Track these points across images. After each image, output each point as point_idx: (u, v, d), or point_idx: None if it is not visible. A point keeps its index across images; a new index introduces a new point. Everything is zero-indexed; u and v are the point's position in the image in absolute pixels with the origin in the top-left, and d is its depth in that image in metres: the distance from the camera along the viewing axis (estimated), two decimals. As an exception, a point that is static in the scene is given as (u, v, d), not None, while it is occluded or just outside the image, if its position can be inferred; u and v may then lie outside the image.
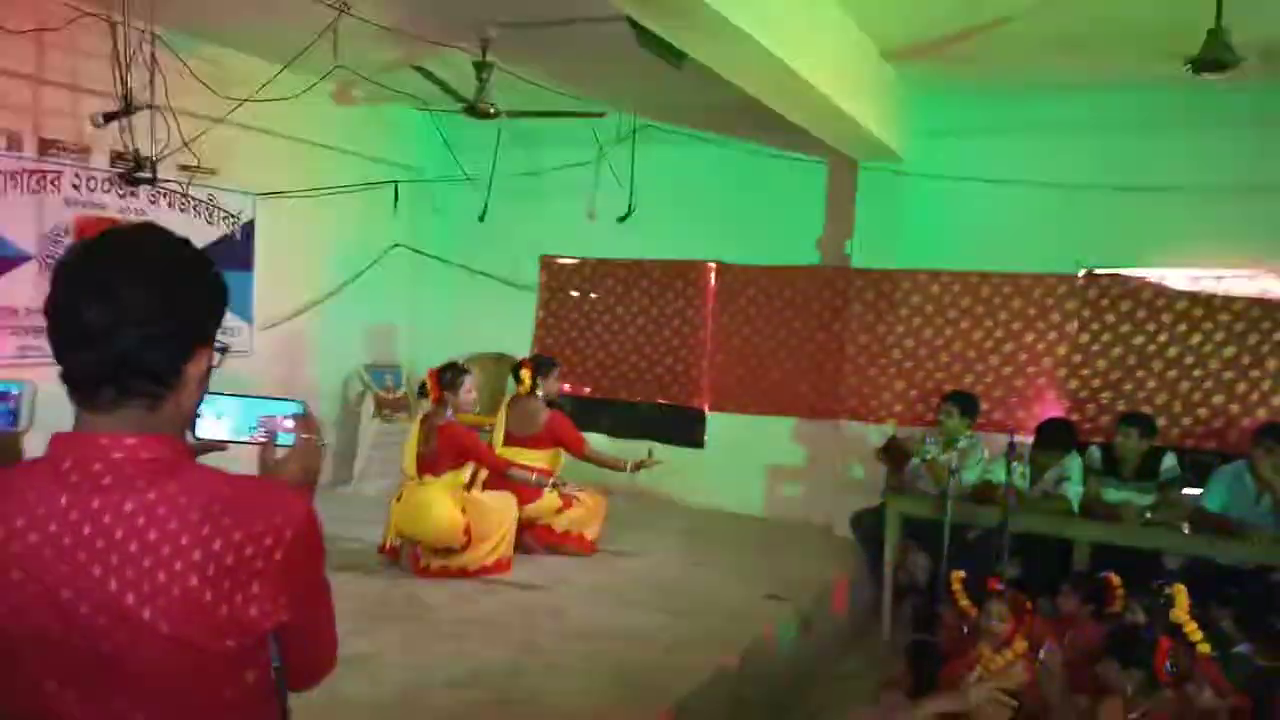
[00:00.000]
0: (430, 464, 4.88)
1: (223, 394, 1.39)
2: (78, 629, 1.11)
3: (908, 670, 3.48)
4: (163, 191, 5.58)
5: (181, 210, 5.73)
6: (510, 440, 5.44)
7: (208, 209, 5.91)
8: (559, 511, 5.34)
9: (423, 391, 5.08)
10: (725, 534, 6.12)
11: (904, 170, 5.95)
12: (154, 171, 5.13)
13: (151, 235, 1.22)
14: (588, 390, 7.18)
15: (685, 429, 6.89)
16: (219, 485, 1.17)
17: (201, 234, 5.81)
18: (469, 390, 5.03)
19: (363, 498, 6.28)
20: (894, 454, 5.47)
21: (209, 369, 1.25)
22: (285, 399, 1.42)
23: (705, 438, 6.84)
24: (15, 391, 1.50)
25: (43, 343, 1.18)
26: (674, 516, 6.45)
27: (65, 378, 1.17)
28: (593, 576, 5.07)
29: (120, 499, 1.12)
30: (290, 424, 1.38)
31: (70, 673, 1.13)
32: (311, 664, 1.32)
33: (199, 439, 1.37)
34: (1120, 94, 5.36)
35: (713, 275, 6.79)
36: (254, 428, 1.39)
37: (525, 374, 5.50)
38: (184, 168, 5.65)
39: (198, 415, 1.36)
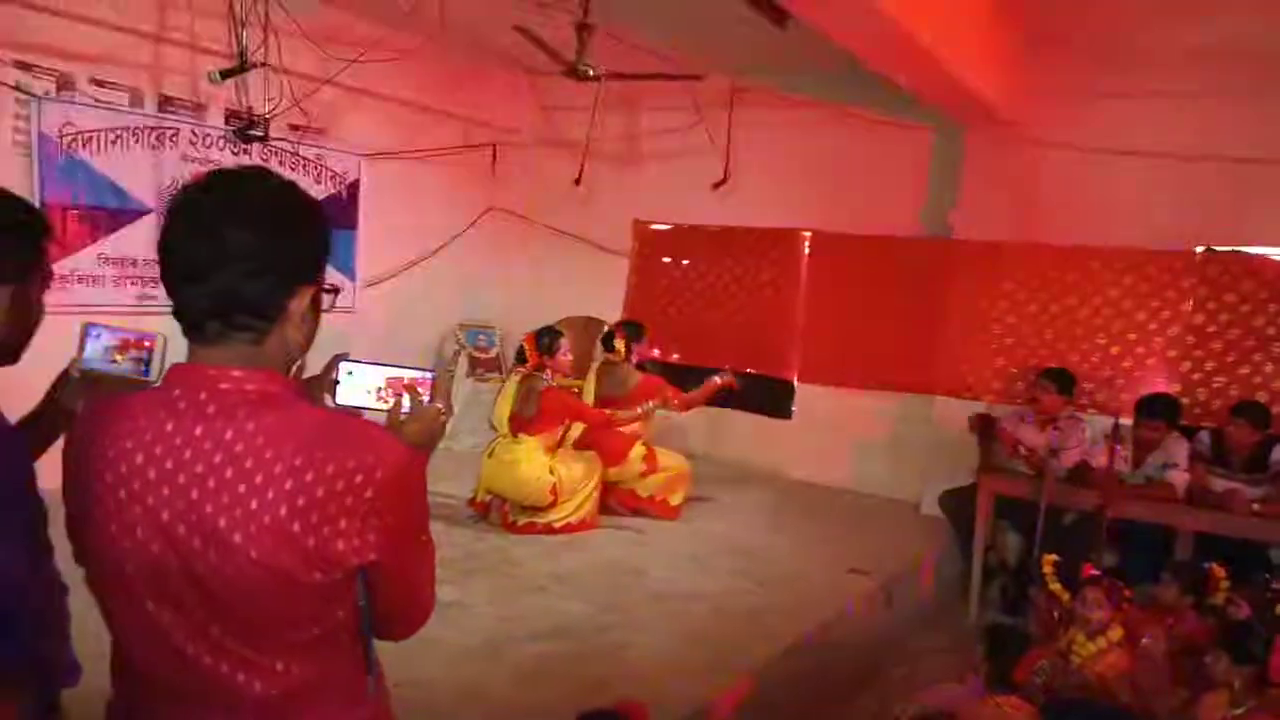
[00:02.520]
0: (526, 424, 4.96)
1: (361, 361, 1.46)
2: (175, 550, 1.15)
3: (985, 656, 3.40)
4: (274, 150, 5.77)
5: (291, 169, 5.92)
6: (603, 403, 5.49)
7: (316, 168, 6.09)
8: (643, 475, 5.38)
9: (520, 357, 5.16)
10: (811, 506, 6.08)
11: (1015, 137, 5.72)
12: (266, 130, 5.31)
13: (256, 176, 1.26)
14: (676, 357, 7.17)
15: (773, 399, 6.83)
16: (319, 420, 1.20)
17: (310, 192, 6.00)
18: (565, 353, 5.09)
19: (454, 453, 6.43)
20: (985, 429, 5.31)
21: (317, 308, 1.28)
22: (419, 367, 1.48)
23: (793, 409, 6.78)
24: (148, 342, 1.58)
25: (161, 292, 1.23)
26: (760, 486, 6.44)
27: (175, 313, 1.22)
28: (677, 540, 5.10)
29: (222, 427, 1.16)
30: (419, 390, 1.45)
31: (167, 593, 1.17)
32: (402, 612, 1.32)
33: (339, 405, 1.44)
34: (1250, 60, 5.04)
35: (807, 244, 6.68)
36: (383, 393, 1.46)
37: (620, 343, 5.51)
38: (294, 127, 5.84)
39: (336, 383, 1.44)
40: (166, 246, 1.20)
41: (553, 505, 4.91)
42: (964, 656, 3.93)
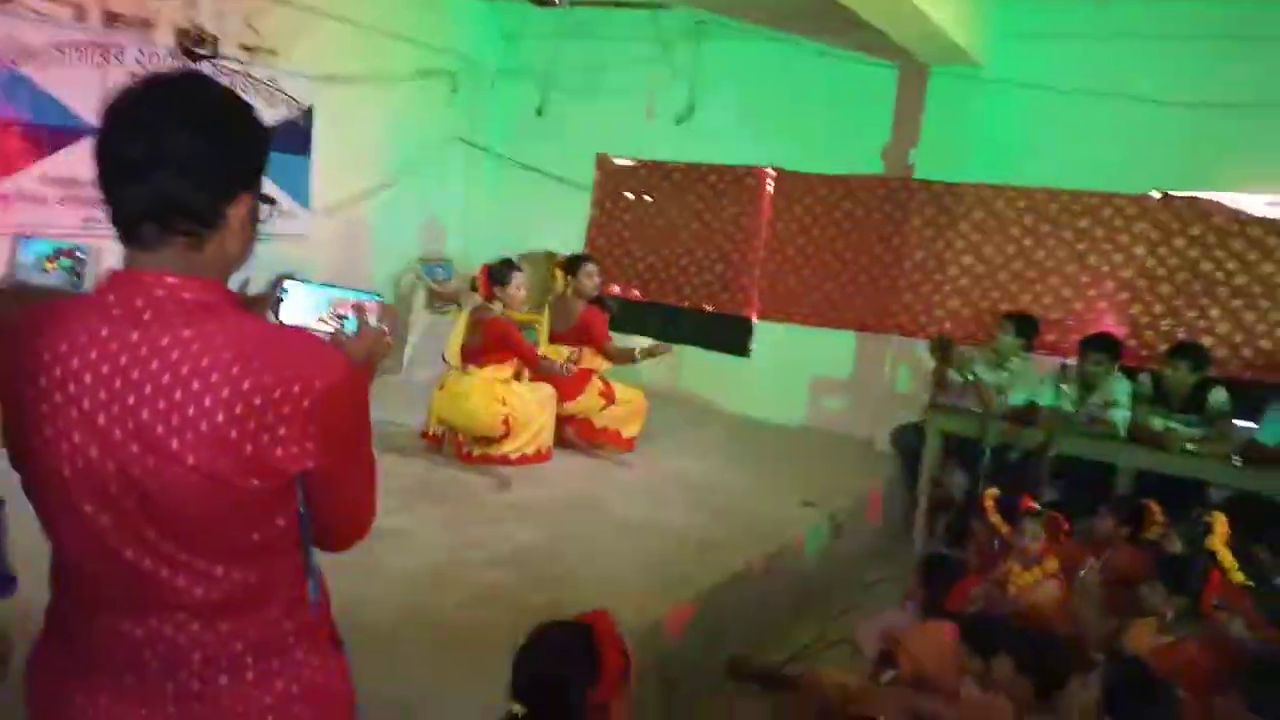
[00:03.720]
0: (474, 355, 4.96)
1: (308, 282, 1.45)
2: (112, 454, 1.15)
3: (921, 584, 3.50)
4: (224, 70, 5.60)
5: (243, 90, 5.74)
6: (551, 337, 5.50)
7: (269, 90, 5.92)
8: (602, 410, 5.42)
9: (474, 286, 5.14)
10: (766, 442, 6.14)
11: (978, 76, 5.71)
12: (215, 48, 5.15)
13: (195, 79, 1.25)
14: (636, 293, 7.18)
15: (731, 337, 6.88)
16: (257, 331, 1.20)
17: (262, 115, 5.86)
18: (518, 287, 5.05)
19: (412, 385, 6.41)
20: (945, 350, 5.39)
21: (254, 218, 1.27)
22: (366, 290, 1.47)
23: (751, 346, 6.83)
24: (80, 253, 1.56)
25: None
26: (716, 423, 6.49)
27: (112, 217, 1.20)
28: (632, 474, 5.16)
29: (158, 334, 1.15)
30: (367, 313, 1.44)
31: (106, 497, 1.17)
32: (341, 522, 1.34)
33: (279, 324, 1.43)
34: (1209, 4, 5.05)
35: (770, 182, 6.67)
36: (327, 314, 1.45)
37: (558, 274, 5.56)
38: (246, 48, 5.67)
39: (279, 300, 1.43)
40: (104, 145, 1.19)
41: (506, 437, 4.93)
42: (906, 585, 4.03)
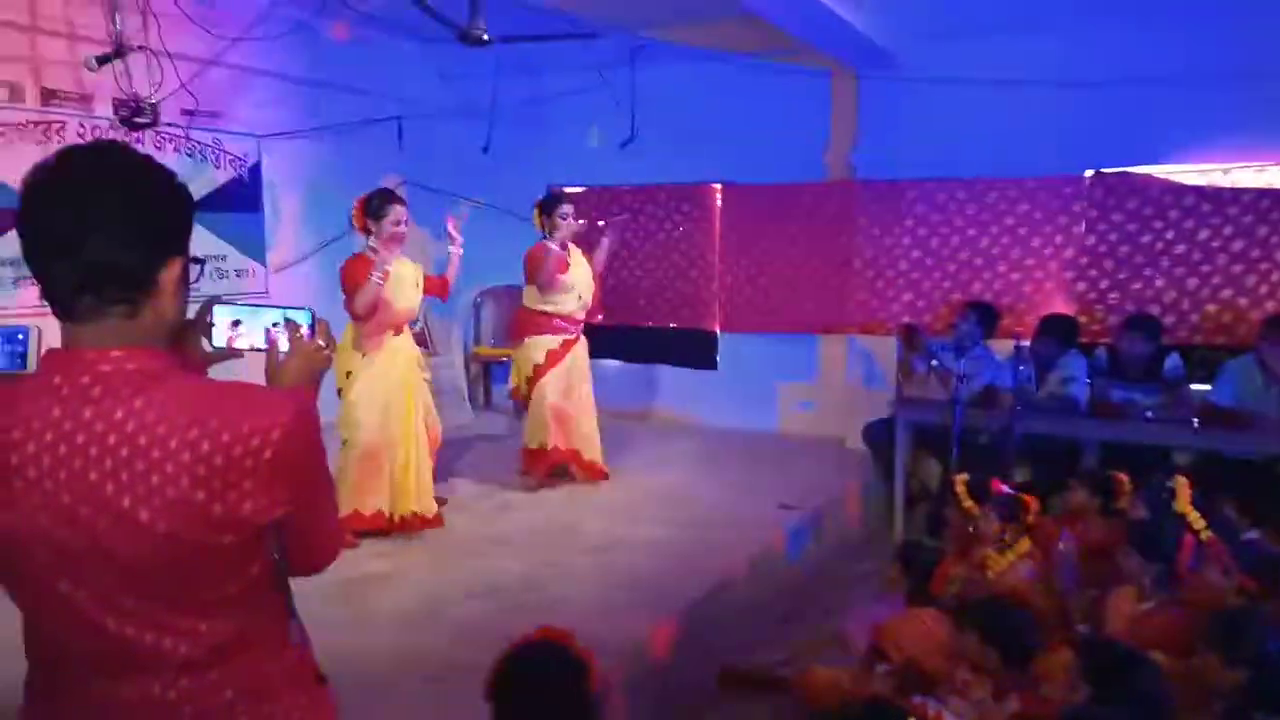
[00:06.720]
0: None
1: (234, 303, 1.46)
2: (81, 532, 1.16)
3: (901, 573, 3.55)
4: (167, 136, 5.62)
5: (188, 155, 5.77)
6: None
7: (214, 152, 5.94)
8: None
9: (351, 223, 4.45)
10: (739, 451, 6.19)
11: (905, 77, 5.85)
12: (155, 115, 5.17)
13: (112, 148, 1.26)
14: (600, 318, 7.22)
15: (697, 351, 6.96)
16: (206, 391, 1.22)
17: (209, 178, 5.87)
18: (397, 222, 4.22)
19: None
20: (911, 336, 5.46)
21: (186, 280, 1.28)
22: (296, 306, 1.48)
23: (717, 358, 6.90)
24: (22, 335, 1.58)
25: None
26: (688, 437, 6.54)
27: (45, 294, 1.21)
28: (608, 495, 5.18)
29: (110, 408, 1.16)
30: (299, 330, 1.46)
31: (79, 573, 1.18)
32: (313, 552, 1.38)
33: (215, 348, 1.45)
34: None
35: (719, 197, 6.77)
36: (263, 334, 1.46)
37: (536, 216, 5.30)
38: (187, 112, 5.69)
39: (211, 324, 1.44)
40: (32, 221, 1.19)
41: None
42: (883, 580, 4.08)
